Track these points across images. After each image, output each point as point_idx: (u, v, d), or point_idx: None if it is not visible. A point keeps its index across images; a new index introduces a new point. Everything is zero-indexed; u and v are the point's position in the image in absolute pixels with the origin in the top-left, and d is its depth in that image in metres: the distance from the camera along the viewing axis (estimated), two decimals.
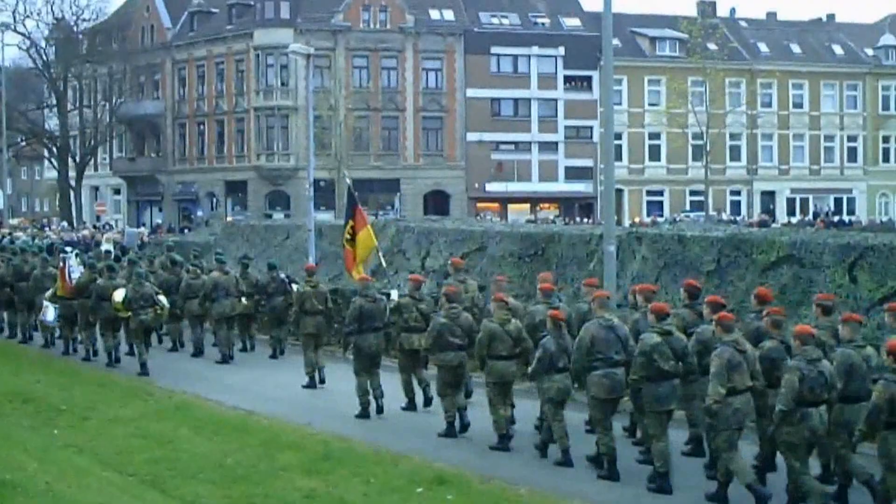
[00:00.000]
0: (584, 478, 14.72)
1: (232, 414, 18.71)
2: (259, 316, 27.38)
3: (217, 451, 15.61)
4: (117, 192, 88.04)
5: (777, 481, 13.50)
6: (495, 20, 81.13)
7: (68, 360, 25.51)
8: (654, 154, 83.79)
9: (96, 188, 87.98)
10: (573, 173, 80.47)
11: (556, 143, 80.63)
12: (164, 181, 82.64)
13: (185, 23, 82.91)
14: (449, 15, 79.64)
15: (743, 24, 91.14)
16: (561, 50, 79.87)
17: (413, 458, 15.43)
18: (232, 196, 78.84)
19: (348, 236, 23.77)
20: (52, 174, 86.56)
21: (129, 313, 23.76)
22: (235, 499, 13.46)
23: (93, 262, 26.73)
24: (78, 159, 79.25)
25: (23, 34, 76.83)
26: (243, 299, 26.18)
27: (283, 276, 26.70)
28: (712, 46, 75.11)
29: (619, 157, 76.97)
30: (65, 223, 65.65)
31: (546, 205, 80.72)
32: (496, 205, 79.35)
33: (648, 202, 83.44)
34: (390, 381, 19.29)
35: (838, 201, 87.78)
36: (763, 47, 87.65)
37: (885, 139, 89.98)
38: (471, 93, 78.57)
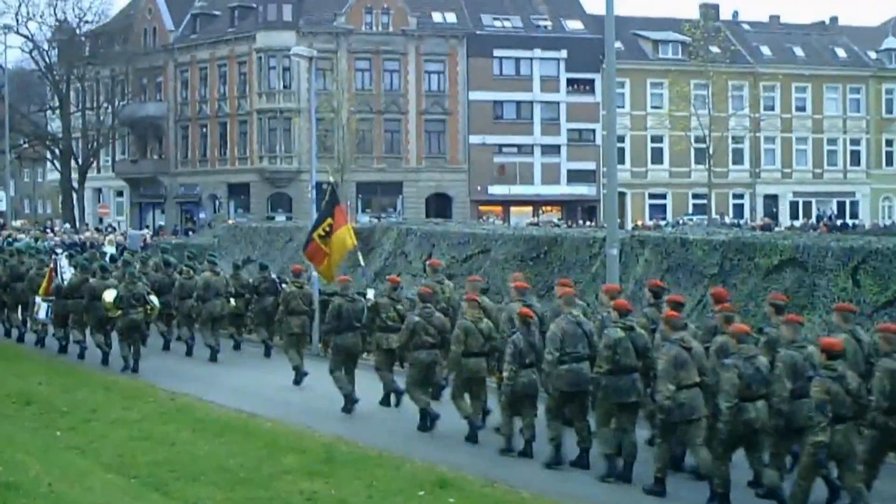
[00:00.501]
0: (587, 481, 14.72)
1: (234, 416, 18.71)
2: (251, 315, 27.77)
3: (219, 454, 15.59)
4: (120, 194, 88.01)
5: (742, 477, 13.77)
6: (498, 23, 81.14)
7: (71, 362, 25.48)
8: (657, 157, 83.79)
9: (99, 190, 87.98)
10: (575, 176, 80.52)
11: (559, 146, 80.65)
12: (166, 183, 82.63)
13: (187, 25, 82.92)
14: (451, 17, 79.64)
15: (746, 26, 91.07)
16: (563, 53, 79.87)
17: (415, 460, 15.42)
18: (234, 198, 78.83)
19: (322, 233, 23.66)
20: (54, 176, 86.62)
21: (120, 312, 24.03)
22: (237, 501, 13.44)
23: (84, 263, 26.99)
24: (80, 161, 79.30)
25: (26, 36, 77.09)
26: (232, 300, 26.82)
27: (274, 276, 27.18)
28: (715, 49, 75.15)
29: (621, 161, 76.83)
30: (67, 225, 65.67)
31: (548, 208, 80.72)
32: (498, 208, 79.34)
33: (651, 205, 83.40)
34: (372, 380, 19.68)
35: (841, 205, 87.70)
36: (766, 50, 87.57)
37: (889, 142, 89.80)
38: (473, 95, 78.57)
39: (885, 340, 13.14)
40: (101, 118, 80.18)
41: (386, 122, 78.13)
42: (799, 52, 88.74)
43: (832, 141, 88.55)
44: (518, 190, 79.38)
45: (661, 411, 13.84)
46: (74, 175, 78.96)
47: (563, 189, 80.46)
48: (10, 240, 44.53)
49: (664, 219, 76.66)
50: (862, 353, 14.01)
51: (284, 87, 75.64)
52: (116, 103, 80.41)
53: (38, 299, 27.51)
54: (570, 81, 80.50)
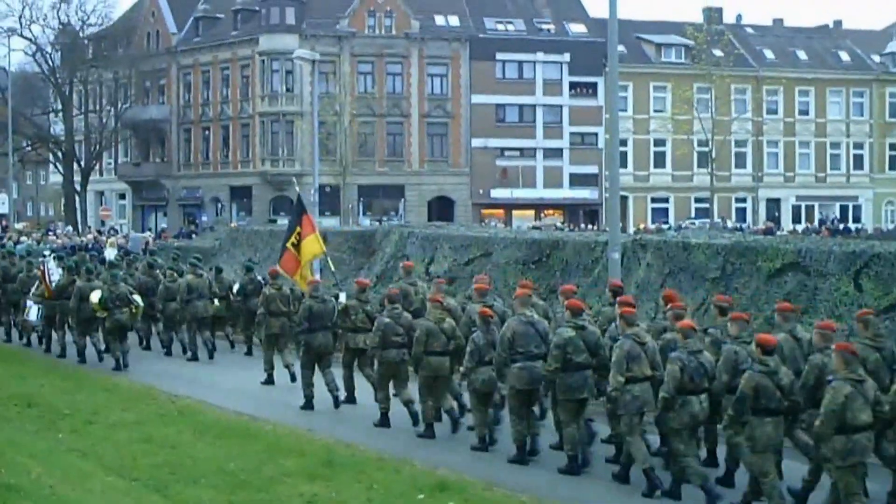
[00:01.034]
0: (587, 485, 14.71)
1: (235, 419, 18.73)
2: (238, 316, 28.59)
3: (220, 456, 15.59)
4: (122, 196, 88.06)
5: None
6: (501, 26, 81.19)
7: (72, 364, 25.52)
8: (660, 161, 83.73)
9: (101, 193, 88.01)
10: (578, 180, 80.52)
11: (561, 150, 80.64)
12: (168, 186, 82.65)
13: (190, 28, 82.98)
14: (454, 21, 79.64)
15: (749, 30, 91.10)
16: (566, 56, 79.87)
17: (415, 464, 15.41)
18: (237, 201, 78.85)
19: (295, 241, 24.71)
20: (57, 179, 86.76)
21: (106, 313, 24.92)
22: None
23: (71, 265, 27.82)
24: (83, 164, 79.44)
25: (29, 39, 77.39)
26: (216, 301, 27.50)
27: (259, 277, 27.72)
28: (718, 53, 75.18)
29: (623, 164, 76.98)
30: (70, 228, 65.72)
31: (551, 211, 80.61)
32: (501, 211, 79.34)
33: (653, 209, 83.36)
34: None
35: (844, 209, 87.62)
36: (769, 54, 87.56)
37: (892, 146, 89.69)
38: (476, 99, 78.58)
39: (819, 337, 13.63)
40: (104, 121, 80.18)
41: (388, 126, 78.13)
42: (802, 55, 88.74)
43: (835, 145, 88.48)
44: (520, 193, 79.41)
45: (609, 401, 14.47)
46: (77, 178, 79.12)
47: (566, 193, 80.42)
48: (11, 242, 44.73)
49: (666, 222, 76.61)
50: (801, 351, 14.33)
51: (287, 90, 75.65)
52: (119, 106, 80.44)
53: (28, 301, 28.21)
54: (572, 85, 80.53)
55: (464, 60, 78.75)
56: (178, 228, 73.85)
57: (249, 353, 27.20)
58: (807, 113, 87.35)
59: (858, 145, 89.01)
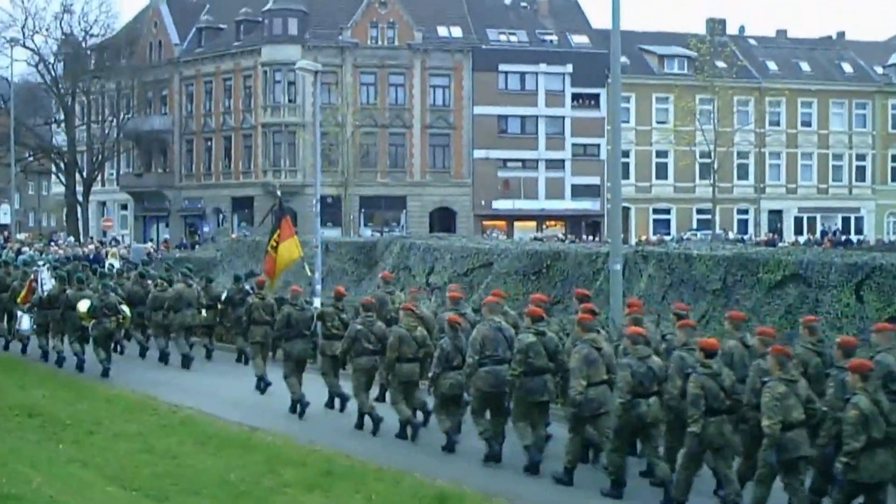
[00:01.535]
0: (587, 495, 14.71)
1: (235, 429, 18.72)
2: (229, 325, 29.22)
3: (221, 467, 15.58)
4: (124, 207, 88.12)
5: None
6: (503, 37, 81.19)
7: (73, 374, 25.53)
8: (662, 172, 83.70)
9: (103, 203, 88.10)
10: (580, 191, 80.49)
11: (563, 161, 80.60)
12: (170, 197, 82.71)
13: (192, 39, 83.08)
14: (457, 32, 79.67)
15: (752, 41, 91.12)
16: (569, 67, 79.88)
17: (415, 474, 15.40)
18: (239, 212, 78.87)
19: (273, 244, 25.81)
20: (59, 189, 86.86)
21: (93, 321, 25.42)
22: None
23: (63, 275, 28.47)
24: (85, 174, 79.54)
25: (31, 50, 77.37)
26: (203, 311, 28.20)
27: (247, 287, 28.20)
28: (721, 64, 75.20)
29: (626, 175, 77.06)
30: (72, 238, 65.75)
31: (552, 222, 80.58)
32: (503, 222, 79.31)
33: (655, 220, 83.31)
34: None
35: (846, 220, 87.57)
36: (772, 65, 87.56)
37: (895, 158, 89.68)
38: (478, 110, 78.61)
39: (761, 343, 14.48)
40: (106, 131, 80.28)
41: (390, 136, 78.14)
42: (805, 66, 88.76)
43: (837, 156, 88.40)
44: (522, 204, 79.41)
45: (573, 405, 15.05)
46: (79, 188, 79.25)
47: (568, 204, 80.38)
48: (12, 253, 44.89)
49: (668, 234, 76.63)
50: (750, 357, 14.86)
51: (289, 100, 75.67)
52: (121, 117, 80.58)
53: (20, 311, 28.97)
54: (575, 96, 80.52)
55: (466, 71, 78.78)
56: (180, 239, 73.92)
57: (240, 360, 27.57)
58: (809, 124, 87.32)
59: (861, 157, 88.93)
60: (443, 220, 76.92)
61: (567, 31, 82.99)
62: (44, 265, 32.61)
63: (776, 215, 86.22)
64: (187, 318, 27.36)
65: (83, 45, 79.84)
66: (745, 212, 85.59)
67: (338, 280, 31.53)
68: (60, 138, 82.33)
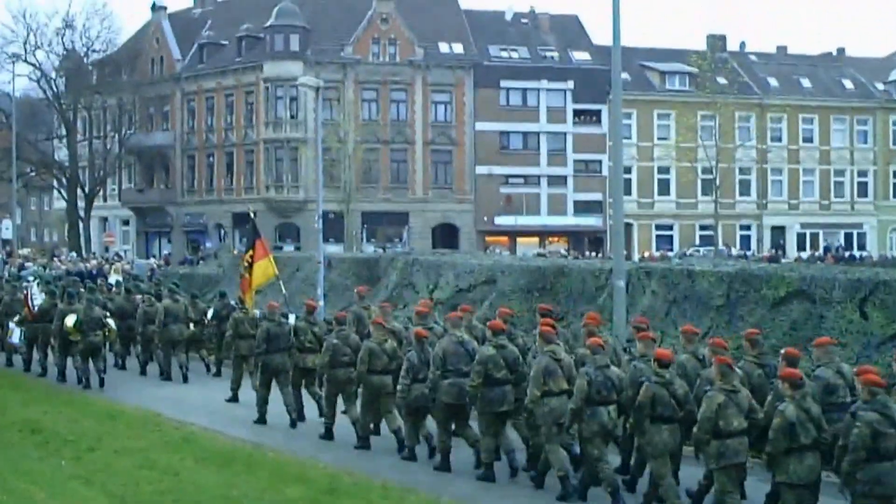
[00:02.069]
0: None
1: (238, 446, 18.67)
2: (216, 340, 29.52)
3: (223, 484, 15.54)
4: (126, 223, 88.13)
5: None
6: (504, 53, 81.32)
7: (76, 391, 25.50)
8: (664, 188, 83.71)
9: (105, 219, 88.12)
10: (582, 207, 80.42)
11: (566, 177, 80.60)
12: (172, 212, 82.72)
13: (194, 55, 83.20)
14: (458, 48, 79.79)
15: (753, 58, 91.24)
16: (570, 83, 79.96)
17: (419, 491, 15.34)
18: (240, 228, 78.65)
19: (246, 264, 26.59)
20: (61, 205, 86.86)
21: (80, 335, 25.83)
22: None
23: (53, 290, 29.50)
24: (87, 190, 79.66)
25: (33, 65, 77.48)
26: (191, 325, 28.84)
27: (232, 302, 28.75)
28: (722, 80, 75.27)
29: (628, 192, 77.18)
30: (73, 254, 65.72)
31: (555, 238, 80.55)
32: (505, 238, 79.26)
33: (658, 236, 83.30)
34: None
35: (849, 236, 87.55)
36: (773, 81, 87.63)
37: None
38: (480, 126, 78.64)
39: (711, 353, 15.11)
40: (108, 147, 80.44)
41: (392, 152, 78.23)
42: (806, 83, 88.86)
43: (839, 172, 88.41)
44: (524, 221, 79.39)
45: (527, 412, 15.81)
46: (81, 203, 79.35)
47: (570, 220, 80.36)
48: (15, 269, 45.21)
49: (671, 250, 76.64)
50: (703, 368, 15.41)
51: (291, 116, 75.73)
52: (123, 132, 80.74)
53: (11, 324, 29.77)
54: (576, 112, 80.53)
55: (468, 88, 78.89)
56: (183, 255, 73.86)
57: (219, 374, 28.15)
58: (811, 140, 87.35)
59: (862, 173, 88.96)
60: (445, 235, 76.91)
61: (568, 48, 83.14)
62: (34, 280, 33.73)
63: (779, 231, 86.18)
64: (174, 333, 27.76)
65: (85, 60, 80.00)
66: (748, 228, 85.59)
67: (340, 296, 31.52)
68: (62, 153, 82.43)
